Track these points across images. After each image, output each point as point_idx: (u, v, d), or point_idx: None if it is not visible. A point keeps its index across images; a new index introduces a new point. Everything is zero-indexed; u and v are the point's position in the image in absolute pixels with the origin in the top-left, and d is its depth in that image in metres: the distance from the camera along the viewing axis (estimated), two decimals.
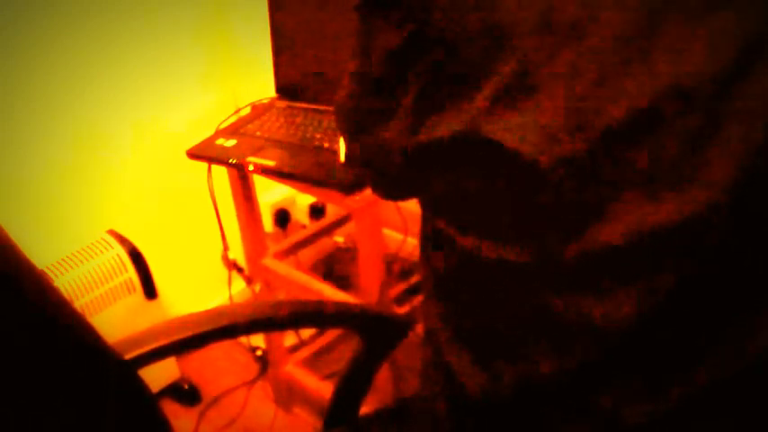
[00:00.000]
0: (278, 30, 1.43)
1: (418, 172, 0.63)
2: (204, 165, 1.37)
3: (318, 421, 1.65)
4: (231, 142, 1.34)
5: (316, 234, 1.74)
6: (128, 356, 0.76)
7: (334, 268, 2.05)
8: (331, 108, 1.35)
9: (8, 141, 1.47)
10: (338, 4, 1.33)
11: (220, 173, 1.43)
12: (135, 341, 0.79)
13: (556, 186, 0.52)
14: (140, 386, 0.73)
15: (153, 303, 1.64)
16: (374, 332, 0.93)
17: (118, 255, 1.56)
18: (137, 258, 1.58)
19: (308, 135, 1.31)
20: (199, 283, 1.92)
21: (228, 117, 1.48)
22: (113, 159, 1.66)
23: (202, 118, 1.72)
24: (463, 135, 0.54)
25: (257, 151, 1.28)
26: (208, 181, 1.38)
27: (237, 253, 1.63)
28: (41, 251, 1.40)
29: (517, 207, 0.55)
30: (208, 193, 1.39)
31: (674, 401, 0.56)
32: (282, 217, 1.95)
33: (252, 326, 0.91)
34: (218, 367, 1.86)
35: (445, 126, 0.55)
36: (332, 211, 1.94)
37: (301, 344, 1.79)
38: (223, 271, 1.67)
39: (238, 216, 1.52)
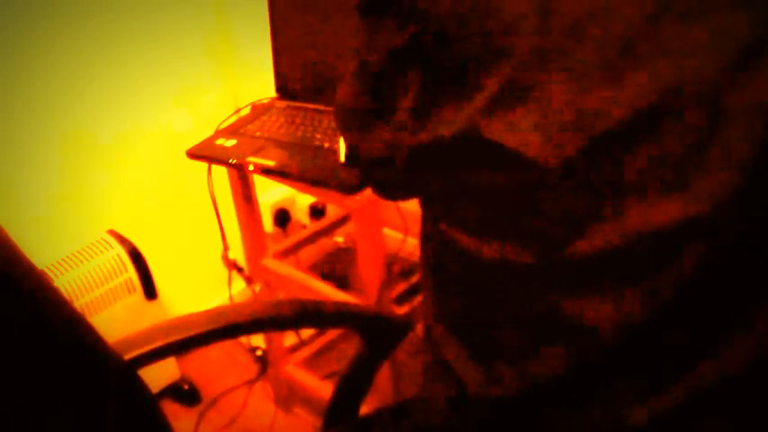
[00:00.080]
0: (278, 30, 1.43)
1: (419, 172, 0.63)
2: (204, 165, 1.37)
3: (318, 421, 1.65)
4: (231, 142, 1.34)
5: (316, 234, 1.74)
6: (128, 356, 0.75)
7: (335, 268, 2.05)
8: (331, 108, 1.35)
9: (8, 141, 1.47)
10: (338, 4, 1.33)
11: (220, 173, 1.43)
12: (135, 341, 0.79)
13: (556, 187, 0.52)
14: (140, 386, 0.73)
15: (153, 303, 1.64)
16: (374, 332, 0.93)
17: (118, 255, 1.56)
18: (137, 258, 1.58)
19: (308, 135, 1.31)
20: (199, 283, 1.92)
21: (228, 117, 1.48)
22: (113, 159, 1.66)
23: (202, 118, 1.72)
24: (463, 135, 0.54)
25: (257, 151, 1.28)
26: (208, 181, 1.38)
27: (237, 253, 1.63)
28: (41, 251, 1.40)
29: (517, 207, 0.55)
30: (208, 193, 1.39)
31: (674, 402, 0.56)
32: (282, 217, 1.95)
33: (252, 326, 0.91)
34: (218, 367, 1.86)
35: (445, 126, 0.55)
36: (332, 211, 1.94)
37: (301, 344, 1.79)
38: (223, 271, 1.67)
39: (238, 216, 1.52)
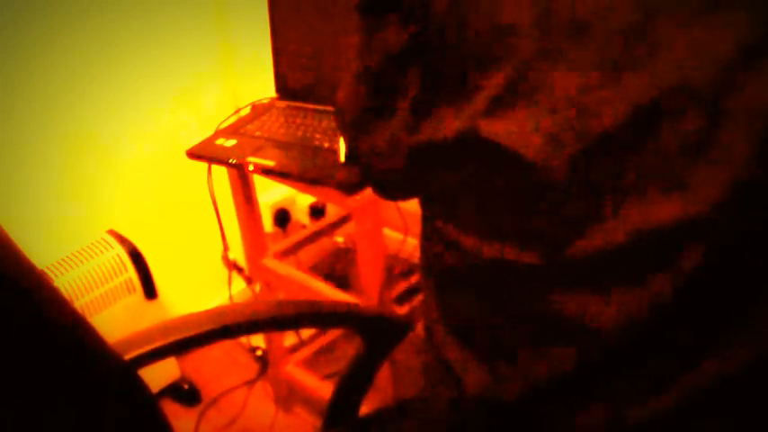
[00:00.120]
0: (278, 30, 1.43)
1: (419, 172, 0.63)
2: (204, 165, 1.37)
3: (318, 421, 1.65)
4: (231, 142, 1.34)
5: (316, 234, 1.74)
6: (128, 356, 0.75)
7: (335, 268, 2.05)
8: (331, 108, 1.35)
9: (8, 141, 1.47)
10: (338, 4, 1.33)
11: (220, 173, 1.43)
12: (135, 341, 0.79)
13: (556, 187, 0.52)
14: (140, 386, 0.73)
15: (153, 303, 1.64)
16: (374, 332, 0.93)
17: (118, 255, 1.56)
18: (137, 258, 1.58)
19: (308, 135, 1.31)
20: (199, 283, 1.92)
21: (228, 117, 1.48)
22: (113, 159, 1.66)
23: (202, 118, 1.72)
24: (463, 135, 0.54)
25: (257, 151, 1.28)
26: (208, 181, 1.38)
27: (237, 253, 1.63)
28: (41, 251, 1.40)
29: (518, 207, 0.55)
30: (208, 193, 1.39)
31: (675, 401, 0.56)
32: (282, 217, 1.95)
33: (252, 326, 0.91)
34: (218, 367, 1.86)
35: (445, 126, 0.55)
36: (332, 211, 1.94)
37: (301, 344, 1.79)
38: (223, 271, 1.68)
39: (238, 216, 1.52)
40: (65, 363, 0.62)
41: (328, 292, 1.42)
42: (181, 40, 1.70)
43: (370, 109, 0.63)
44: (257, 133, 1.36)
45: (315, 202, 1.98)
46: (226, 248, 1.55)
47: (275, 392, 1.73)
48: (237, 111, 1.59)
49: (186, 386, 1.77)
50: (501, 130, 0.52)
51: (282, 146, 1.29)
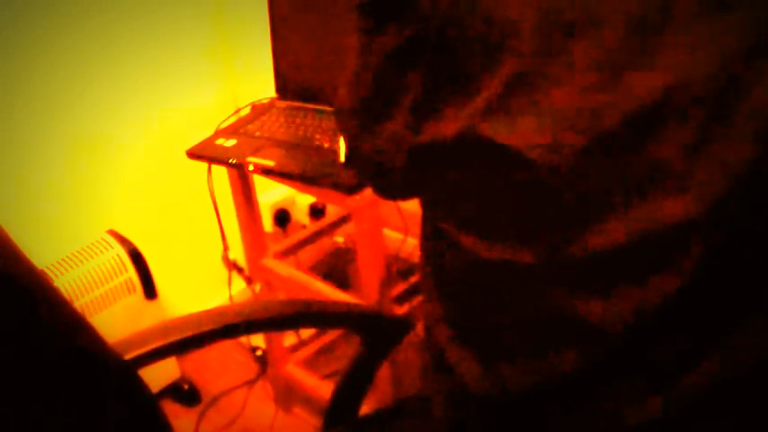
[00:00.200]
0: (278, 30, 1.43)
1: (419, 172, 0.63)
2: (204, 165, 1.37)
3: (318, 421, 1.65)
4: (231, 142, 1.34)
5: (316, 234, 1.74)
6: (128, 356, 0.75)
7: (335, 268, 2.05)
8: (331, 108, 1.35)
9: (8, 141, 1.47)
10: (338, 5, 1.33)
11: (220, 173, 1.43)
12: (135, 341, 0.79)
13: (557, 186, 0.52)
14: (140, 386, 0.73)
15: (153, 303, 1.64)
16: (374, 332, 0.93)
17: (118, 255, 1.56)
18: (137, 258, 1.58)
19: (308, 135, 1.31)
20: (199, 283, 1.92)
21: (228, 117, 1.48)
22: (113, 159, 1.66)
23: (202, 118, 1.72)
24: (464, 135, 0.54)
25: (257, 151, 1.28)
26: (208, 181, 1.38)
27: (237, 253, 1.63)
28: (41, 251, 1.40)
29: (518, 207, 0.55)
30: (208, 193, 1.39)
31: (675, 402, 0.56)
32: (282, 217, 1.95)
33: (252, 326, 0.91)
34: (218, 367, 1.86)
35: (446, 126, 0.55)
36: (332, 211, 1.94)
37: (301, 344, 1.79)
38: (223, 271, 1.68)
39: (238, 216, 1.52)
40: (65, 363, 0.62)
41: (328, 292, 1.42)
42: (181, 40, 1.70)
43: (371, 109, 0.63)
44: (257, 133, 1.36)
45: (315, 202, 1.98)
46: (226, 248, 1.55)
47: (275, 392, 1.73)
48: (237, 111, 1.59)
49: (186, 386, 1.77)
50: (501, 129, 0.52)
51: (282, 146, 1.29)
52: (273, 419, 1.69)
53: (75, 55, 1.52)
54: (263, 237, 1.56)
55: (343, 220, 1.78)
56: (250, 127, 1.39)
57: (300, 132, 1.33)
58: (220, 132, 1.40)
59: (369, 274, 1.27)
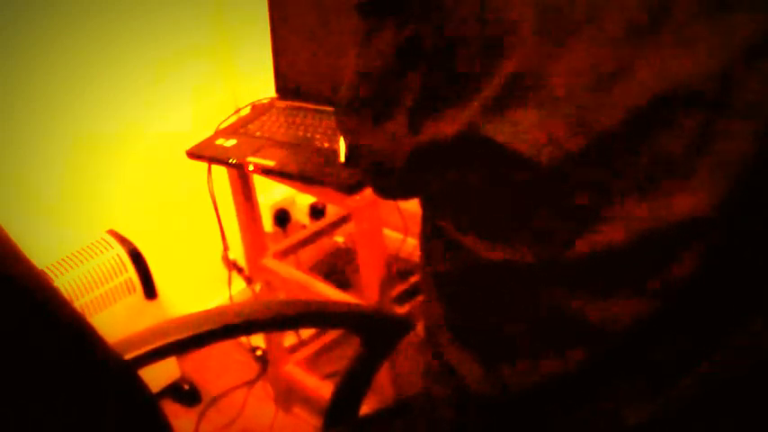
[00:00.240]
0: (278, 30, 1.42)
1: (419, 172, 0.63)
2: (204, 165, 1.37)
3: (318, 421, 1.65)
4: (231, 142, 1.34)
5: (316, 234, 1.74)
6: (128, 356, 0.75)
7: (335, 268, 2.05)
8: (331, 108, 1.35)
9: (8, 141, 1.47)
10: (338, 4, 1.33)
11: (220, 173, 1.43)
12: (135, 341, 0.79)
13: (557, 186, 0.52)
14: (140, 386, 0.73)
15: (153, 303, 1.63)
16: (374, 332, 0.93)
17: (118, 255, 1.56)
18: (137, 258, 1.58)
19: (308, 135, 1.31)
20: (199, 283, 1.92)
21: (228, 117, 1.47)
22: (113, 159, 1.66)
23: (202, 118, 1.72)
24: (464, 135, 0.54)
25: (257, 151, 1.28)
26: (208, 181, 1.38)
27: (237, 253, 1.63)
28: (41, 251, 1.40)
29: (518, 207, 0.55)
30: (208, 193, 1.39)
31: (675, 402, 0.56)
32: (282, 217, 1.95)
33: (252, 326, 0.91)
34: (218, 367, 1.86)
35: (446, 126, 0.55)
36: (332, 211, 1.94)
37: (301, 344, 1.79)
38: (223, 271, 1.67)
39: (238, 216, 1.52)
40: (65, 363, 0.62)
41: (328, 292, 1.42)
42: (181, 40, 1.70)
43: (371, 109, 0.63)
44: (257, 133, 1.36)
45: (315, 202, 1.98)
46: (226, 248, 1.55)
47: (275, 392, 1.73)
48: (237, 111, 1.59)
49: (186, 386, 1.77)
50: (502, 129, 0.52)
51: (282, 146, 1.29)
52: (273, 419, 1.69)
53: (75, 55, 1.52)
54: (263, 237, 1.56)
55: (343, 220, 1.78)
56: (250, 127, 1.39)
57: (300, 132, 1.33)
58: (220, 132, 1.40)
59: (369, 274, 1.27)
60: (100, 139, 1.62)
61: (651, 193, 0.50)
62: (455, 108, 0.54)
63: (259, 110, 1.46)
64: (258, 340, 1.86)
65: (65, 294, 0.83)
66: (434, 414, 0.72)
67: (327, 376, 1.64)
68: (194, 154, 1.34)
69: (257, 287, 1.59)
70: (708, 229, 0.50)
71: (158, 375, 1.71)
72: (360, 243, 1.27)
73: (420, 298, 0.75)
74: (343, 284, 1.90)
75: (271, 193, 1.90)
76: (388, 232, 1.52)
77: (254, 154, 1.27)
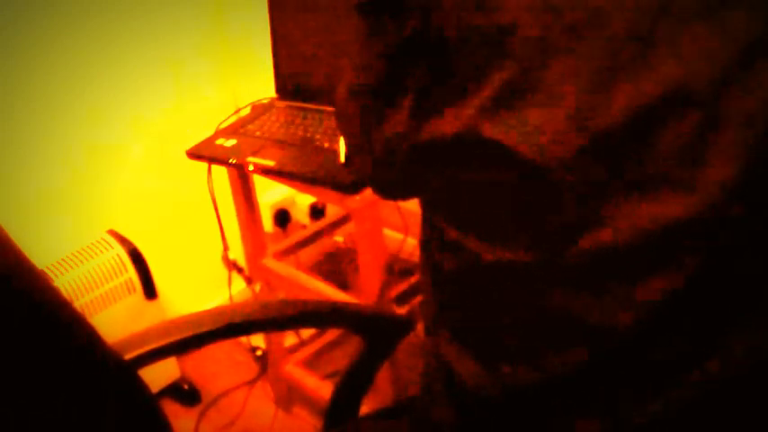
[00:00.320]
0: (278, 30, 1.43)
1: (419, 172, 0.63)
2: (204, 165, 1.37)
3: (318, 421, 1.65)
4: (231, 142, 1.34)
5: (316, 234, 1.74)
6: (128, 356, 0.75)
7: (335, 268, 2.05)
8: (331, 108, 1.35)
9: (8, 141, 1.47)
10: (338, 4, 1.33)
11: (220, 173, 1.43)
12: (135, 341, 0.79)
13: (555, 187, 0.52)
14: (140, 386, 0.73)
15: (153, 303, 1.64)
16: (374, 332, 0.93)
17: (118, 255, 1.56)
18: (137, 258, 1.58)
19: (308, 135, 1.31)
20: (199, 283, 1.92)
21: (228, 117, 1.47)
22: (113, 159, 1.67)
23: (202, 118, 1.72)
24: (464, 135, 0.54)
25: (257, 151, 1.28)
26: (208, 181, 1.38)
27: (237, 253, 1.63)
28: (41, 251, 1.40)
29: (517, 207, 0.55)
30: (208, 193, 1.39)
31: (675, 402, 0.56)
32: (282, 217, 1.95)
33: (252, 326, 0.91)
34: (218, 367, 1.86)
35: (446, 126, 0.55)
36: (332, 211, 1.94)
37: (301, 344, 1.79)
38: (223, 271, 1.67)
39: (238, 216, 1.52)
40: (65, 363, 0.62)
41: (328, 292, 1.42)
42: (181, 40, 1.70)
43: (371, 109, 0.63)
44: (257, 133, 1.36)
45: (315, 202, 1.98)
46: (226, 248, 1.55)
47: (275, 392, 1.73)
48: (237, 111, 1.59)
49: (186, 386, 1.77)
50: (502, 129, 0.52)
51: (282, 146, 1.29)
52: (273, 419, 1.69)
53: (75, 55, 1.52)
54: (263, 237, 1.56)
55: (343, 220, 1.78)
56: (250, 127, 1.39)
57: (300, 132, 1.33)
58: (220, 132, 1.40)
59: (369, 274, 1.27)
60: (100, 139, 1.62)
61: (651, 194, 0.50)
62: (455, 108, 0.54)
63: (259, 110, 1.46)
64: (258, 340, 1.86)
65: (65, 294, 0.83)
66: (434, 414, 0.72)
67: (327, 376, 1.64)
68: (194, 154, 1.34)
69: (257, 287, 1.59)
70: (707, 230, 0.50)
71: (158, 375, 1.71)
72: (360, 243, 1.27)
73: (420, 298, 0.75)
74: (343, 284, 1.90)
75: (271, 193, 1.91)
76: (388, 232, 1.52)
77: (254, 154, 1.27)
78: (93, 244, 1.56)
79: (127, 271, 1.57)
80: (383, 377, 1.37)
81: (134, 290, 1.59)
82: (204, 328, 0.82)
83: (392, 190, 0.72)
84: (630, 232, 0.51)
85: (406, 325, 0.94)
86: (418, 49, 0.55)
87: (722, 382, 0.55)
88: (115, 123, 1.64)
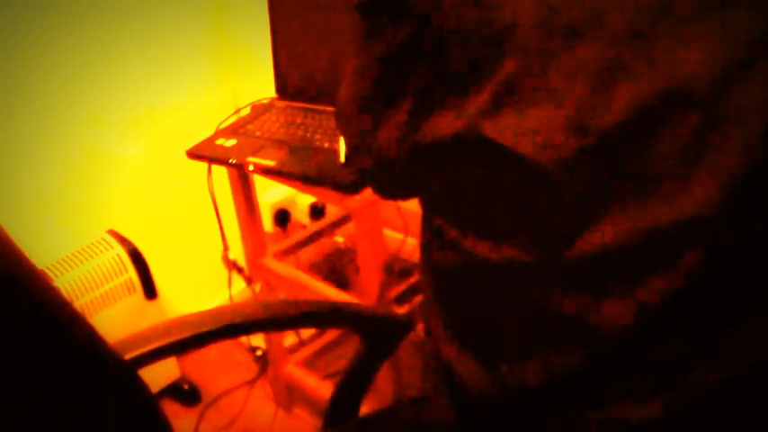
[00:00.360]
0: (278, 30, 1.43)
1: (419, 172, 0.63)
2: (204, 165, 1.37)
3: (318, 421, 1.65)
4: (231, 142, 1.34)
5: (316, 234, 1.74)
6: (128, 356, 0.75)
7: (335, 268, 2.05)
8: (331, 108, 1.35)
9: (8, 141, 1.47)
10: (338, 4, 1.33)
11: (220, 173, 1.43)
12: (135, 341, 0.79)
13: (555, 187, 0.52)
14: (140, 386, 0.73)
15: (153, 303, 1.64)
16: (374, 332, 0.93)
17: (118, 255, 1.56)
18: (137, 258, 1.58)
19: (308, 135, 1.31)
20: (199, 283, 1.92)
21: (228, 117, 1.48)
22: (113, 159, 1.66)
23: (202, 118, 1.72)
24: (464, 135, 0.54)
25: (257, 151, 1.28)
26: (208, 181, 1.38)
27: (237, 253, 1.63)
28: (41, 251, 1.40)
29: (517, 207, 0.55)
30: (208, 193, 1.39)
31: (675, 402, 0.56)
32: (282, 217, 1.95)
33: (252, 326, 0.91)
34: (218, 367, 1.86)
35: (446, 126, 0.55)
36: (332, 211, 1.94)
37: (301, 344, 1.79)
38: (223, 271, 1.67)
39: (238, 216, 1.52)
40: (65, 363, 0.62)
41: (328, 292, 1.42)
42: (181, 40, 1.70)
43: (370, 110, 0.63)
44: (257, 133, 1.36)
45: (315, 202, 1.98)
46: (226, 248, 1.55)
47: (275, 392, 1.73)
48: (237, 111, 1.59)
49: (186, 386, 1.77)
50: (502, 129, 0.52)
51: (282, 146, 1.29)
52: (273, 419, 1.69)
53: (75, 55, 1.52)
54: (263, 237, 1.56)
55: (343, 220, 1.78)
56: (250, 127, 1.39)
57: (300, 132, 1.33)
58: (220, 132, 1.40)
59: (369, 274, 1.27)
60: (100, 139, 1.62)
61: (651, 194, 0.50)
62: (455, 108, 0.54)
63: (259, 110, 1.46)
64: (258, 340, 1.86)
65: (65, 294, 0.83)
66: (434, 414, 0.72)
67: (327, 376, 1.64)
68: (194, 154, 1.34)
69: (257, 287, 1.59)
70: (706, 230, 0.50)
71: (158, 375, 1.71)
72: (360, 243, 1.27)
73: (420, 298, 0.75)
74: (343, 284, 1.90)
75: (271, 193, 1.91)
76: (388, 232, 1.52)
77: (254, 154, 1.27)
78: (93, 244, 1.56)
79: (127, 271, 1.57)
80: (383, 377, 1.37)
81: (134, 290, 1.59)
82: (204, 328, 0.82)
83: (392, 190, 0.72)
84: (630, 232, 0.51)
85: (406, 325, 0.94)
86: (418, 49, 0.55)
87: (722, 382, 0.55)
88: (115, 123, 1.64)
